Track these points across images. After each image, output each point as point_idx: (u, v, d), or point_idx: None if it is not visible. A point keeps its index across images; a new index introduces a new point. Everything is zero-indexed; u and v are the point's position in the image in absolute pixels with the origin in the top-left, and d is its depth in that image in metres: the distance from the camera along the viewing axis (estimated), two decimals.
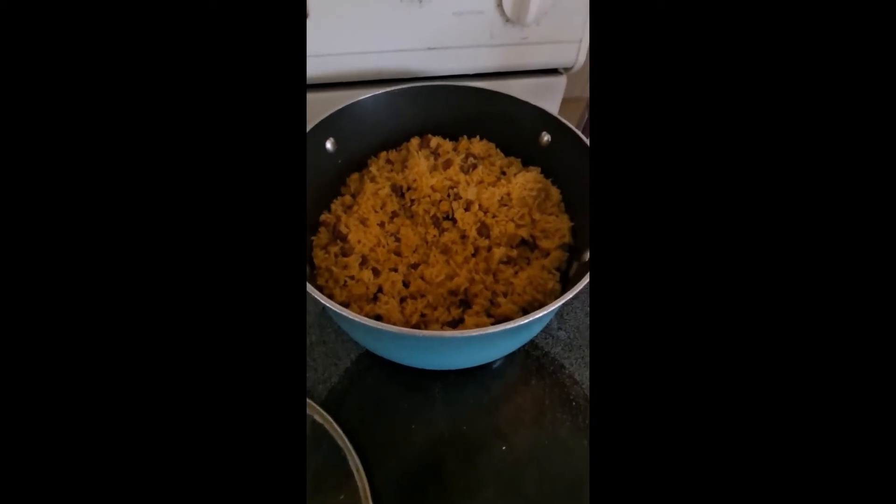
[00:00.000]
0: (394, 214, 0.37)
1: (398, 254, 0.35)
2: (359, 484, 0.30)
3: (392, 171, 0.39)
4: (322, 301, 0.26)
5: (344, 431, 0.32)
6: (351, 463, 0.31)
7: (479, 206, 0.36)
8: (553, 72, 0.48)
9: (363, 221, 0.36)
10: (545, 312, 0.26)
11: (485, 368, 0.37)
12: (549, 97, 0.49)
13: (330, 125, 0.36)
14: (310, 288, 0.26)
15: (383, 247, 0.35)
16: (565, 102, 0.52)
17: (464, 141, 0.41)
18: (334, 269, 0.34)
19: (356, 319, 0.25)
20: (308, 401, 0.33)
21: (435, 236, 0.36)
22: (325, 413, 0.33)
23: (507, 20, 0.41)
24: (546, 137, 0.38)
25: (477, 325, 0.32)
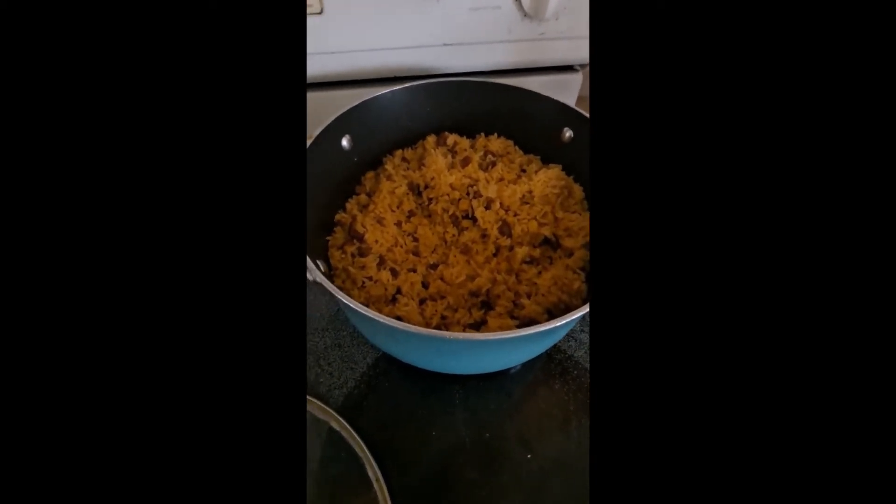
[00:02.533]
0: (411, 213, 0.36)
1: (416, 254, 0.34)
2: (378, 494, 0.29)
3: (408, 169, 0.38)
4: (343, 300, 0.24)
5: (362, 439, 0.31)
6: (370, 471, 0.30)
7: (501, 204, 0.35)
8: (569, 69, 0.47)
9: (380, 221, 0.35)
10: (577, 316, 0.25)
11: (505, 373, 0.36)
12: (564, 94, 0.48)
13: (346, 122, 0.35)
14: (330, 287, 0.25)
15: (401, 247, 0.34)
16: (580, 100, 0.51)
17: (481, 138, 0.40)
18: (351, 269, 0.33)
19: (379, 320, 0.24)
20: (325, 407, 0.32)
21: (454, 236, 0.35)
22: (342, 420, 0.32)
23: (525, 15, 0.40)
24: (568, 133, 0.37)
25: (500, 328, 0.30)
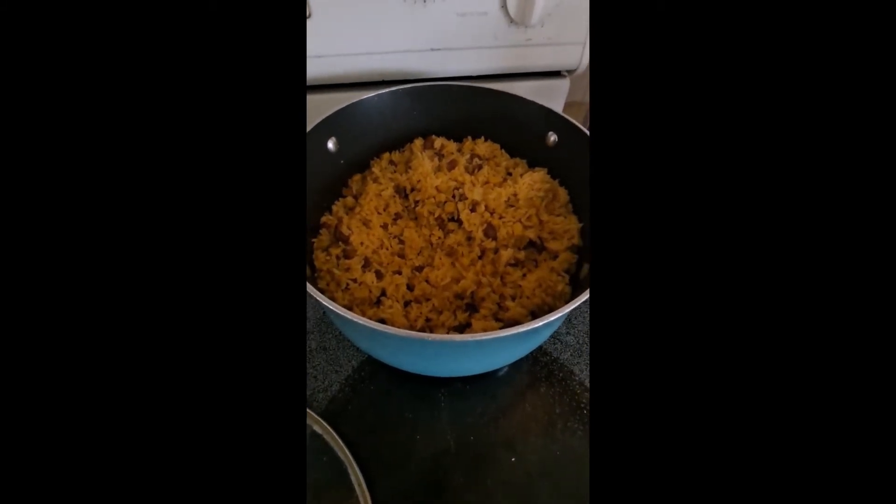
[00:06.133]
0: (397, 216, 0.36)
1: (402, 256, 0.34)
2: (360, 499, 0.29)
3: (395, 171, 0.39)
4: (325, 303, 0.24)
5: (345, 443, 0.30)
6: (352, 476, 0.29)
7: (486, 206, 0.35)
8: (556, 74, 0.48)
9: (366, 223, 0.35)
10: (558, 315, 0.25)
11: (491, 376, 0.35)
12: (551, 100, 0.49)
13: (332, 125, 0.35)
14: (312, 290, 0.25)
15: (386, 249, 0.34)
16: (567, 106, 0.52)
17: (468, 142, 0.40)
18: (336, 271, 0.33)
19: (361, 322, 0.24)
20: (307, 411, 0.32)
21: (440, 238, 0.35)
22: (325, 423, 0.31)
23: (512, 21, 0.41)
24: (553, 137, 0.37)
25: (484, 330, 0.30)
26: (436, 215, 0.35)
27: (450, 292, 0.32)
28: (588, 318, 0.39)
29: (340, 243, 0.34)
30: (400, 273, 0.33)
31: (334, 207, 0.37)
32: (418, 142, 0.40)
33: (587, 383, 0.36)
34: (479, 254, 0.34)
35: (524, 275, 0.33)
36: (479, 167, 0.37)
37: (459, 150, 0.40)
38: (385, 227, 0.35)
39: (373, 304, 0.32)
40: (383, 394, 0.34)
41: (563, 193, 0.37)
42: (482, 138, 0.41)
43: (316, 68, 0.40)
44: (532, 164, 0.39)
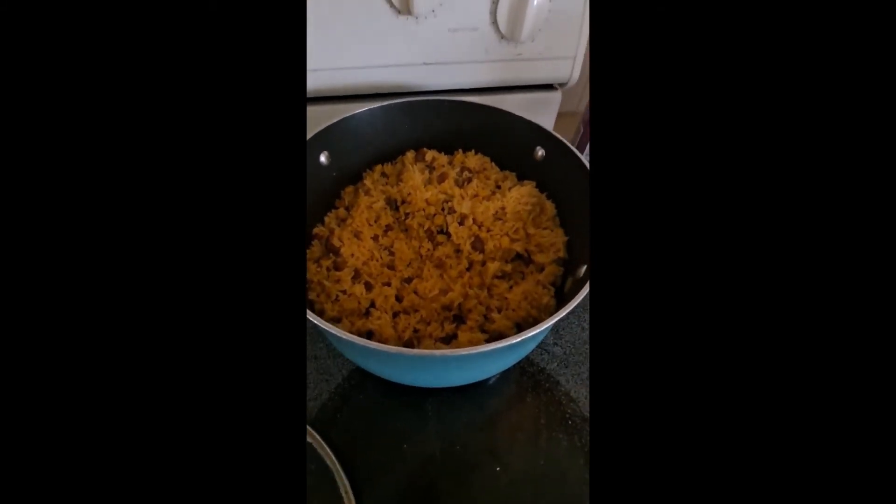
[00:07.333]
0: (388, 228, 0.37)
1: (392, 268, 0.35)
2: None
3: (387, 184, 0.39)
4: (312, 320, 0.25)
5: (333, 451, 0.31)
6: (340, 485, 0.30)
7: (474, 220, 0.36)
8: (548, 87, 0.49)
9: (357, 235, 0.36)
10: (540, 329, 0.25)
11: (479, 385, 0.36)
12: (544, 112, 0.50)
13: (324, 138, 0.36)
14: None
15: (376, 260, 0.35)
16: (560, 117, 0.53)
17: (459, 155, 0.41)
18: (326, 282, 0.33)
19: (347, 338, 0.24)
20: None
21: (429, 250, 0.35)
22: (314, 432, 0.32)
23: (502, 37, 0.41)
24: (540, 152, 0.38)
25: (471, 341, 0.31)
26: (425, 228, 0.36)
27: (437, 304, 0.33)
28: (574, 330, 0.40)
29: (331, 255, 0.35)
30: (389, 284, 0.34)
31: (326, 219, 0.38)
32: (410, 154, 0.41)
33: (573, 394, 0.36)
34: (466, 266, 0.34)
35: (511, 287, 0.34)
36: (469, 180, 0.38)
37: (450, 163, 0.41)
38: (376, 238, 0.36)
39: (362, 315, 0.33)
40: (372, 403, 0.35)
41: (549, 207, 0.37)
42: (472, 151, 0.41)
43: (309, 82, 0.41)
44: (521, 178, 0.40)
